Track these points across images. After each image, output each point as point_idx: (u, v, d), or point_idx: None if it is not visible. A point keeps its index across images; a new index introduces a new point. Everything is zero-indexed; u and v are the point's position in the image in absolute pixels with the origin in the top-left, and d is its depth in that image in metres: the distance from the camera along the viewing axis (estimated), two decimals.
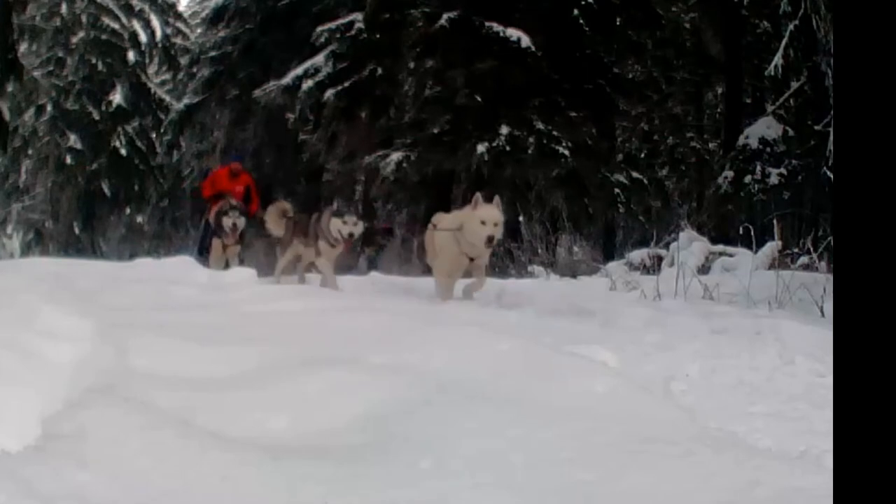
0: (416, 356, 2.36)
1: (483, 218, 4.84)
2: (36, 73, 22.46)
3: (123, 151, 24.01)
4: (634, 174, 17.21)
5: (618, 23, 14.15)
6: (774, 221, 8.16)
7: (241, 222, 7.63)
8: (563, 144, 12.85)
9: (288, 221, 6.43)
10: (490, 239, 4.82)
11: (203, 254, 9.01)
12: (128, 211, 25.43)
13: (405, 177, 13.14)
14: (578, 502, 1.44)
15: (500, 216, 4.94)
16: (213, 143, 20.78)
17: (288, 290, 4.82)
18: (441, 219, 5.63)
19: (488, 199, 5.08)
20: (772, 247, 7.42)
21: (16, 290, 2.15)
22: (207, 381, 2.11)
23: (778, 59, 11.09)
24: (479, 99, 12.87)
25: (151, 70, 25.61)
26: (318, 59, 14.32)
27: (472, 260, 5.14)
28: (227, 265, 7.76)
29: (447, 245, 5.17)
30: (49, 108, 23.49)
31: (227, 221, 7.58)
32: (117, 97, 23.67)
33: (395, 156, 13.09)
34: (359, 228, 5.57)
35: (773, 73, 11.36)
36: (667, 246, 8.73)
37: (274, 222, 6.42)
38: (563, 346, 2.83)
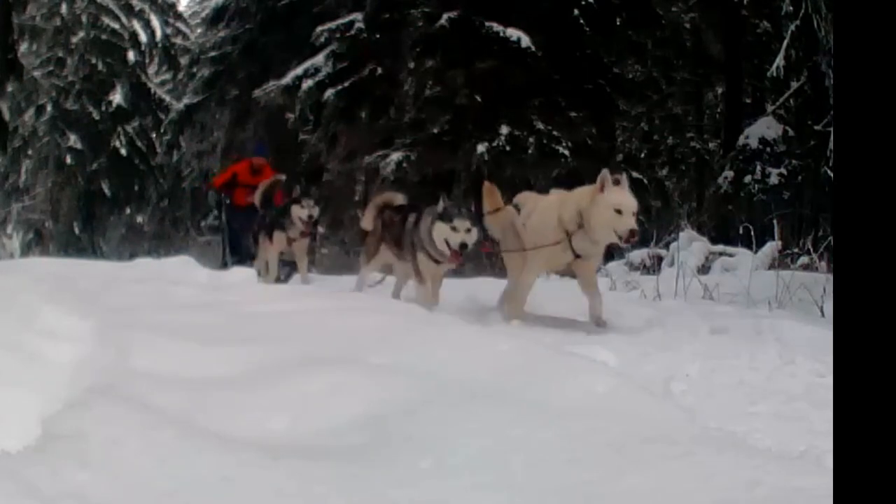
0: (416, 356, 2.36)
1: (618, 205, 3.77)
2: (36, 73, 22.46)
3: (123, 151, 24.01)
4: (634, 174, 17.17)
5: (618, 23, 14.14)
6: (774, 221, 8.19)
7: (316, 212, 6.40)
8: (563, 144, 12.86)
9: (376, 219, 4.97)
10: (633, 234, 3.77)
11: (238, 252, 7.96)
12: (128, 211, 25.42)
13: (405, 177, 13.13)
14: (578, 502, 1.44)
15: (636, 202, 3.88)
16: (213, 143, 20.76)
17: (288, 290, 4.82)
18: (528, 199, 4.52)
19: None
20: (772, 247, 7.44)
21: (16, 290, 2.15)
22: (207, 381, 2.11)
23: (780, 60, 11.11)
24: (479, 99, 12.87)
25: (151, 70, 25.60)
26: (318, 59, 14.31)
27: (577, 257, 4.04)
28: (285, 268, 6.80)
29: (547, 236, 4.05)
30: (49, 108, 23.48)
31: (299, 212, 6.25)
32: (117, 97, 23.66)
33: (395, 156, 13.09)
34: (473, 237, 4.16)
35: (774, 74, 11.38)
36: (667, 246, 8.74)
37: (369, 216, 5.08)
38: (563, 346, 2.83)
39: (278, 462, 1.59)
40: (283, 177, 7.25)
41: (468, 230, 4.12)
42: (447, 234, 4.12)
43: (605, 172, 3.88)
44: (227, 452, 1.61)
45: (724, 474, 1.49)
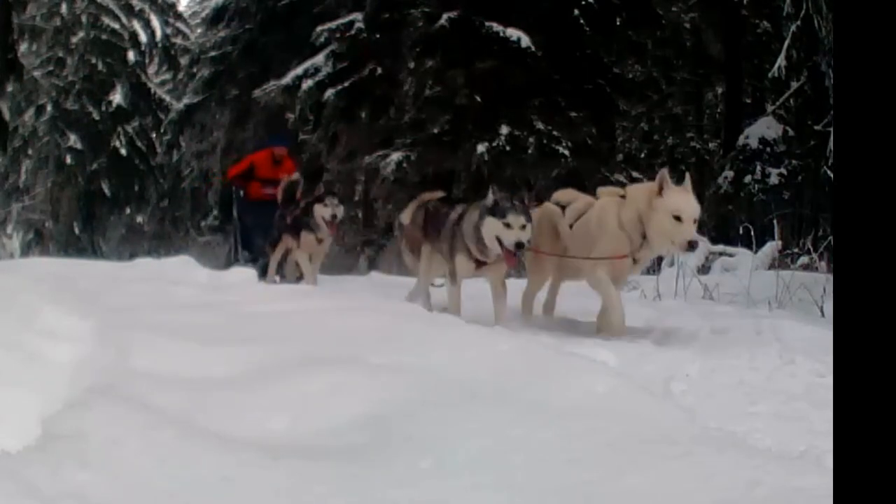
0: (416, 356, 2.36)
1: (677, 210, 3.36)
2: (36, 73, 22.45)
3: (123, 151, 24.00)
4: (634, 174, 17.21)
5: (618, 23, 14.14)
6: (774, 221, 8.19)
7: (341, 211, 6.07)
8: (563, 144, 12.86)
9: (417, 212, 4.62)
10: (690, 245, 3.37)
11: (250, 248, 7.76)
12: (128, 211, 25.42)
13: (405, 177, 13.14)
14: (578, 502, 1.44)
15: (698, 206, 3.45)
16: (212, 143, 20.76)
17: (288, 290, 4.81)
18: (572, 197, 4.09)
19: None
20: (772, 247, 7.44)
21: (16, 290, 2.15)
22: (207, 381, 2.11)
23: (781, 61, 11.11)
24: (479, 99, 12.87)
25: (151, 70, 25.59)
26: (318, 59, 14.31)
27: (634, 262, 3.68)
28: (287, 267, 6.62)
29: (614, 239, 3.61)
30: (49, 108, 23.47)
31: (323, 211, 5.93)
32: (117, 97, 23.65)
33: (395, 156, 13.10)
34: (528, 234, 3.66)
35: (776, 75, 11.38)
36: None
37: (409, 210, 4.78)
38: (563, 346, 2.83)
39: (278, 462, 1.59)
40: (298, 176, 7.04)
41: (523, 227, 3.60)
42: (499, 230, 3.61)
43: (663, 172, 3.43)
44: (227, 452, 1.61)
45: (724, 474, 1.49)
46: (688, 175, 3.55)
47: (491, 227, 3.64)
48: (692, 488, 1.45)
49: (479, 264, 3.87)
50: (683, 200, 3.39)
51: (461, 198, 4.63)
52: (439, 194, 4.84)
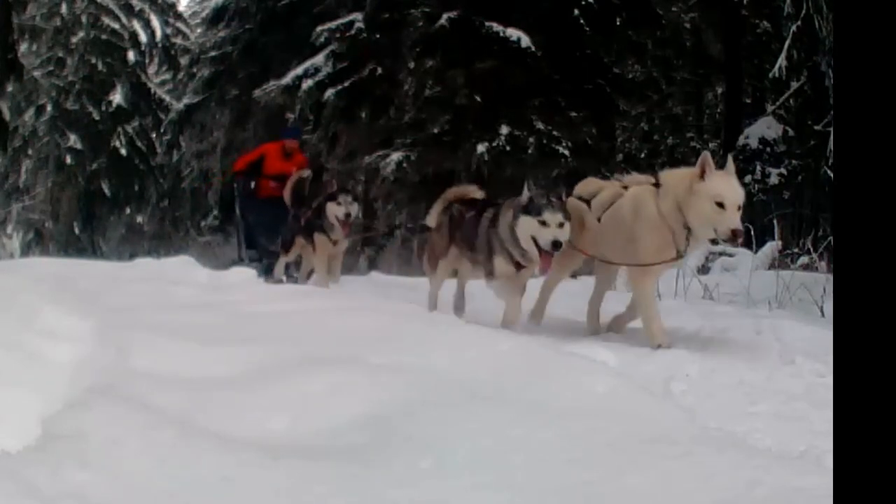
0: (416, 356, 2.36)
1: (719, 196, 3.11)
2: (36, 73, 22.43)
3: (123, 151, 23.99)
4: (635, 174, 17.19)
5: (618, 23, 14.13)
6: (774, 221, 8.19)
7: (356, 210, 5.66)
8: (563, 144, 12.86)
9: (442, 215, 4.27)
10: (735, 234, 3.09)
11: (255, 247, 7.55)
12: (128, 211, 25.41)
13: (405, 177, 13.14)
14: (578, 502, 1.44)
15: (743, 192, 3.19)
16: (212, 143, 20.77)
17: (288, 290, 4.81)
18: (596, 186, 3.80)
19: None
20: (772, 247, 7.44)
21: (16, 290, 2.15)
22: (207, 381, 2.11)
23: (781, 61, 11.12)
24: (479, 99, 12.87)
25: (151, 70, 25.59)
26: (318, 59, 14.30)
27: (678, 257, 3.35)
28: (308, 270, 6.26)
29: (656, 233, 3.33)
30: (49, 108, 23.46)
31: (336, 210, 5.51)
32: (117, 97, 23.64)
33: (395, 156, 13.10)
34: (566, 233, 3.42)
35: (777, 75, 11.39)
36: None
37: (435, 211, 4.38)
38: (563, 346, 2.83)
39: (278, 462, 1.59)
40: (308, 172, 6.75)
41: (560, 224, 3.37)
42: (535, 229, 3.38)
43: (706, 155, 3.20)
44: (227, 452, 1.61)
45: (724, 474, 1.49)
46: (730, 158, 3.32)
47: (526, 226, 3.42)
48: (692, 488, 1.45)
49: (520, 267, 3.64)
50: (727, 185, 3.15)
51: (491, 200, 4.12)
52: (472, 191, 4.31)
